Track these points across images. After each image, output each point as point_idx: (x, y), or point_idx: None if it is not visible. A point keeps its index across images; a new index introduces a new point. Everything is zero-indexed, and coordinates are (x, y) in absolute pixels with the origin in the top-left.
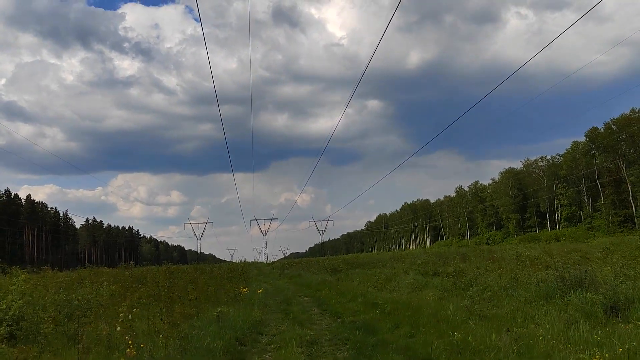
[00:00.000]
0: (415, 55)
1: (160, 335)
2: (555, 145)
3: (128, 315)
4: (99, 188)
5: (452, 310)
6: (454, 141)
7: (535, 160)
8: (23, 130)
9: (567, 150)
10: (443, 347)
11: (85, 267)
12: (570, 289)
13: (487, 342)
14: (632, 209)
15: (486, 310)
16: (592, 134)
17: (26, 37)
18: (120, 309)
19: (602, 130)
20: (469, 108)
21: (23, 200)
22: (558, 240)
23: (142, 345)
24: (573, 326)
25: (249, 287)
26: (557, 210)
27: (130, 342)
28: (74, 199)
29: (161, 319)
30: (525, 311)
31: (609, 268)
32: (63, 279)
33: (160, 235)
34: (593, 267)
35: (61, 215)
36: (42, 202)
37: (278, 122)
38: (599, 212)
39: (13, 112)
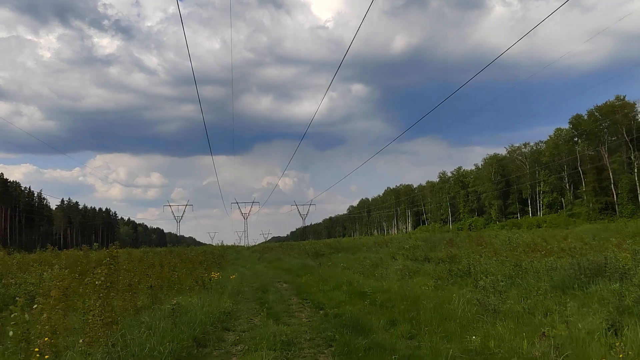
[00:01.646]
0: (400, 40)
1: (81, 340)
2: (535, 133)
3: (24, 315)
4: (77, 169)
5: (459, 304)
6: (436, 127)
7: (518, 146)
8: None
9: (550, 137)
10: (458, 355)
11: (45, 249)
12: (590, 279)
13: (519, 351)
14: (613, 196)
15: (498, 303)
16: (576, 121)
17: (2, 12)
18: (14, 306)
19: (585, 117)
20: (450, 94)
21: None
22: (539, 227)
23: (46, 357)
24: (627, 329)
25: (223, 271)
26: (539, 197)
27: (37, 350)
28: (51, 179)
29: (93, 315)
30: (546, 305)
31: (627, 254)
32: (14, 261)
33: (139, 217)
34: (614, 254)
35: (35, 195)
36: (15, 181)
37: (262, 104)
38: (580, 199)
39: None
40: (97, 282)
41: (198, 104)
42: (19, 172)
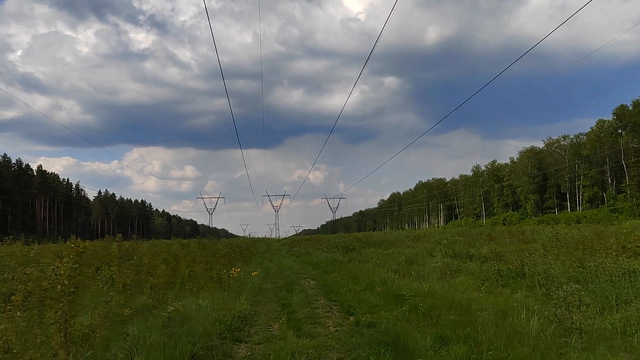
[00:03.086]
0: (433, 32)
1: None
2: (574, 126)
3: None
4: (115, 161)
5: (532, 321)
6: (469, 120)
7: (557, 139)
8: (40, 102)
9: (591, 129)
10: None
11: (65, 241)
12: None
13: None
14: None
15: (583, 321)
16: (620, 112)
17: (41, 8)
18: None
19: (630, 108)
20: (484, 85)
21: (35, 171)
22: (579, 222)
23: None
24: None
25: (248, 266)
26: (579, 192)
27: None
28: (90, 172)
29: (58, 326)
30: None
31: None
32: (25, 253)
33: (173, 209)
34: None
35: (73, 187)
36: (54, 173)
37: (293, 98)
38: (623, 193)
39: (29, 84)
40: (59, 287)
41: (230, 98)
42: (59, 165)
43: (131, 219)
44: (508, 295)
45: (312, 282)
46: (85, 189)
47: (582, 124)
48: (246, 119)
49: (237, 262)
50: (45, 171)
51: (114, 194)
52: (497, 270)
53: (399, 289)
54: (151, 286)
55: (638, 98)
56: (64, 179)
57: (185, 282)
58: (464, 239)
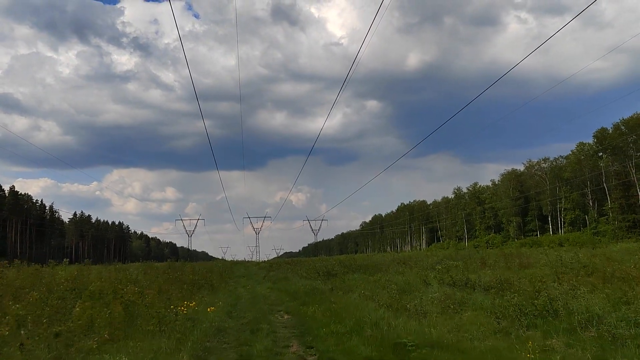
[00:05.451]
0: (414, 57)
1: None
2: (550, 150)
3: None
4: (94, 183)
5: None
6: (449, 144)
7: (537, 162)
8: (19, 123)
9: (572, 151)
10: None
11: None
12: None
13: None
14: None
15: None
16: (600, 135)
17: (22, 29)
18: None
19: (610, 131)
20: (462, 107)
21: (6, 192)
22: (562, 245)
23: None
24: None
25: (216, 294)
26: (560, 214)
27: None
28: (68, 193)
29: None
30: None
31: None
32: None
33: (153, 231)
34: None
35: (47, 208)
36: (27, 193)
37: (276, 120)
38: (605, 216)
39: (9, 105)
40: None
41: (213, 120)
42: (37, 186)
43: (108, 242)
44: (540, 342)
45: (286, 317)
46: (60, 211)
47: (558, 149)
48: (230, 141)
49: (204, 289)
50: (17, 192)
51: (89, 216)
52: (518, 306)
53: (397, 334)
54: (20, 344)
55: (618, 121)
56: (37, 200)
57: (114, 323)
58: (458, 262)
